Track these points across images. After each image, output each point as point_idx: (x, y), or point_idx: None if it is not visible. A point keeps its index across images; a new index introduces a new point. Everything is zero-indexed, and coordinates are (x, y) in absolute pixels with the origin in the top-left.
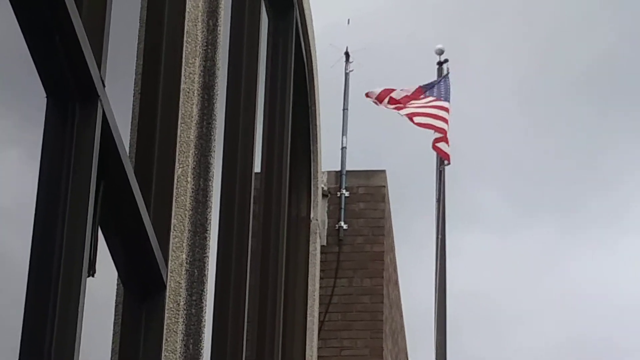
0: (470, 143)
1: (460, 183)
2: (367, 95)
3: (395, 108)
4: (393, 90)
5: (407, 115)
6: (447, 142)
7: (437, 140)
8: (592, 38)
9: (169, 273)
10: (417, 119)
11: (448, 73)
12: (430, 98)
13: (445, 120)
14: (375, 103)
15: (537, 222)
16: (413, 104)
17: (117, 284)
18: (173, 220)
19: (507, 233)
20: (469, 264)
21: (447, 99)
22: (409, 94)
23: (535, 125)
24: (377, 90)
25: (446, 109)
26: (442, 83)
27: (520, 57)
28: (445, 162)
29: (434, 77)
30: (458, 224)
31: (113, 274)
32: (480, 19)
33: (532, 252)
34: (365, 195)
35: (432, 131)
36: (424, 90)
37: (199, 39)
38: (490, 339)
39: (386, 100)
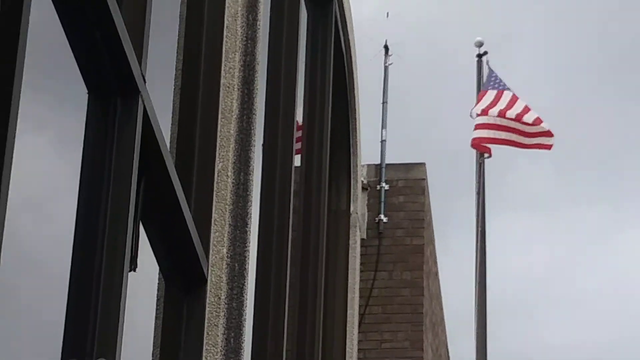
0: None
1: (506, 163)
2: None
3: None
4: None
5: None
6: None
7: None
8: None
9: (209, 267)
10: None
11: (489, 66)
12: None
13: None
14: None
15: (588, 204)
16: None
17: (159, 279)
18: (214, 215)
19: (557, 215)
20: (518, 247)
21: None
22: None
23: (585, 107)
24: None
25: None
26: (492, 77)
27: (569, 35)
28: (486, 154)
29: (473, 68)
30: (507, 207)
31: (154, 268)
32: (521, 8)
33: (583, 234)
34: (405, 188)
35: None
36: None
37: (239, 33)
38: (536, 326)
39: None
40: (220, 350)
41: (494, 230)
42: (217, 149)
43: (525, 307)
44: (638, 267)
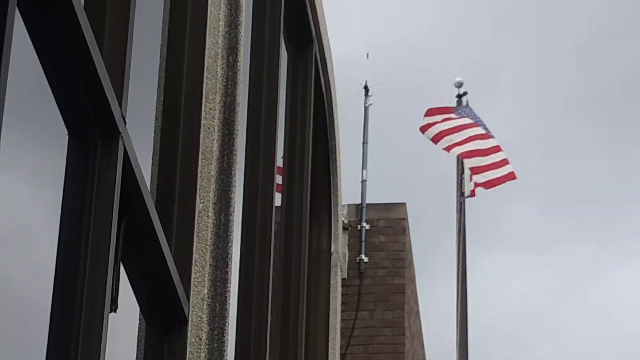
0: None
1: (496, 202)
2: (422, 129)
3: (447, 147)
4: (444, 124)
5: (460, 154)
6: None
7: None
8: (627, 46)
9: (190, 308)
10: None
11: (468, 106)
12: (475, 130)
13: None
14: (431, 140)
15: (573, 243)
16: (462, 136)
17: (140, 319)
18: (194, 255)
19: (546, 250)
20: (506, 283)
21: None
22: (455, 120)
23: (564, 138)
24: (431, 129)
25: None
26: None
27: (549, 73)
28: (467, 194)
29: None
30: (495, 246)
31: (135, 309)
32: (511, 35)
33: (571, 268)
34: (385, 228)
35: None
36: (462, 114)
37: (219, 75)
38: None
39: (441, 141)
40: None
41: (481, 268)
42: (198, 189)
43: (515, 344)
44: (623, 304)
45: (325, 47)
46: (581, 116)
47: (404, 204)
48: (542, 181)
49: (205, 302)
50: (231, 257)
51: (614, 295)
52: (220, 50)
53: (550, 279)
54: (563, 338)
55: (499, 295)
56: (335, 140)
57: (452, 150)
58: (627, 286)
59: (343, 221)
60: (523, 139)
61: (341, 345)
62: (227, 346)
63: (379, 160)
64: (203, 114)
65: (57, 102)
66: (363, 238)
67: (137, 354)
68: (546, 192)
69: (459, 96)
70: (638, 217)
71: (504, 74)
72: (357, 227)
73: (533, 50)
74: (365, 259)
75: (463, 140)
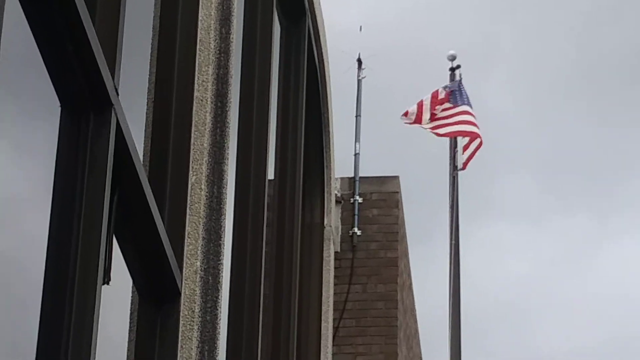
0: (500, 133)
1: (491, 174)
2: (405, 115)
3: (431, 128)
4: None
5: (434, 128)
6: (470, 145)
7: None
8: (622, 27)
9: (183, 280)
10: (444, 130)
11: (461, 79)
12: (458, 108)
13: (474, 124)
14: (410, 123)
15: (571, 209)
16: (442, 114)
17: (132, 292)
18: (187, 228)
19: (544, 222)
20: (505, 255)
21: (469, 104)
22: (436, 99)
23: (562, 111)
24: (413, 110)
25: (471, 114)
26: (461, 89)
27: (548, 46)
28: (459, 167)
29: (447, 81)
30: (493, 216)
31: (128, 281)
32: (509, 11)
33: (569, 240)
34: (378, 201)
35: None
36: (449, 97)
37: (212, 47)
38: (520, 337)
39: (423, 118)
40: None
41: (480, 241)
42: (191, 162)
43: (513, 316)
44: (621, 277)
45: (318, 19)
46: (579, 89)
47: (397, 177)
48: (539, 153)
49: (198, 275)
50: (224, 229)
51: (613, 268)
52: (213, 22)
53: (549, 251)
54: (561, 310)
55: (498, 268)
56: (328, 113)
57: (439, 130)
58: (626, 258)
59: (336, 194)
60: (519, 111)
61: (334, 319)
62: (219, 319)
63: (372, 134)
64: (196, 86)
65: (49, 74)
66: (356, 211)
67: (129, 327)
68: (544, 164)
69: (452, 69)
70: (635, 190)
71: (501, 49)
72: (350, 200)
73: (531, 26)
74: (358, 232)
75: (453, 122)
